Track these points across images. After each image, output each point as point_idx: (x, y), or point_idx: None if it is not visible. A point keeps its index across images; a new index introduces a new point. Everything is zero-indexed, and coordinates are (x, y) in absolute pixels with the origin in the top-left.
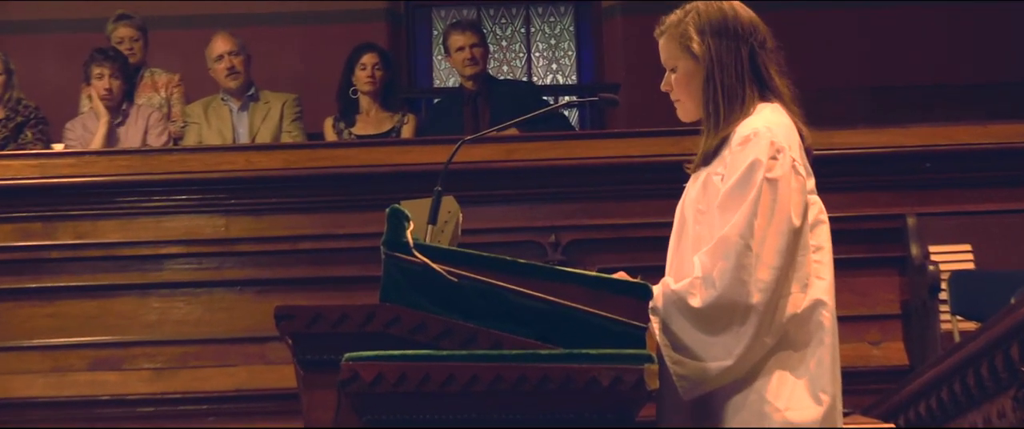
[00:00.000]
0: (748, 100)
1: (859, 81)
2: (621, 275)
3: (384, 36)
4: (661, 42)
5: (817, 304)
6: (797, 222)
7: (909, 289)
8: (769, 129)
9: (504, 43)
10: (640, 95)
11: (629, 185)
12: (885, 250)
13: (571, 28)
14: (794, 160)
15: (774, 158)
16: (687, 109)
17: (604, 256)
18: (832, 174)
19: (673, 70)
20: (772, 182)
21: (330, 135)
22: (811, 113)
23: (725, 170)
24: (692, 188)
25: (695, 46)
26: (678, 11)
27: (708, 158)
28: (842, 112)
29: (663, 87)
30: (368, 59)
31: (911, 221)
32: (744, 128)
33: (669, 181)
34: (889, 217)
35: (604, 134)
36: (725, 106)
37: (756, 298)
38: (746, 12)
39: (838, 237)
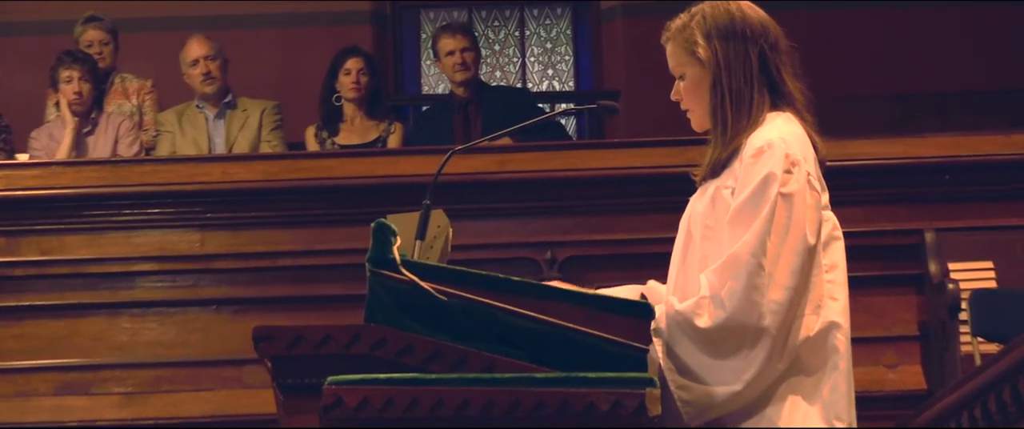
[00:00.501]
0: (757, 106)
1: (875, 88)
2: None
3: (369, 39)
4: (668, 49)
5: (831, 326)
6: (812, 240)
7: (927, 309)
8: (784, 140)
9: (497, 47)
10: (642, 102)
11: (630, 198)
12: (902, 267)
13: (568, 31)
14: (809, 174)
15: (789, 172)
16: (698, 118)
17: (603, 274)
18: (846, 186)
19: (681, 78)
20: (787, 197)
21: (312, 145)
22: (824, 121)
23: (736, 184)
24: (698, 202)
25: (701, 51)
26: (684, 15)
27: (717, 170)
28: (857, 120)
29: (673, 97)
30: (352, 64)
31: (929, 237)
32: (756, 139)
33: (673, 194)
34: (906, 232)
35: (603, 144)
36: (733, 112)
37: (768, 320)
38: (755, 12)
39: (852, 254)
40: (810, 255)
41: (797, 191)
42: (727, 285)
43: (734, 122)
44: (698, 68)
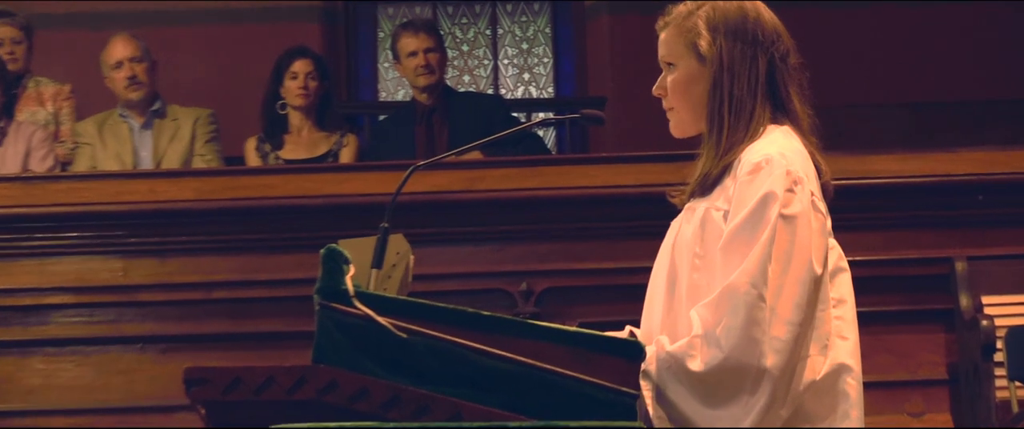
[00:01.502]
0: (757, 118)
1: (897, 95)
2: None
3: (319, 38)
4: (663, 35)
5: (840, 369)
6: (819, 269)
7: (958, 349)
8: (783, 156)
9: (466, 48)
10: (631, 112)
11: (619, 221)
12: (928, 301)
13: (547, 30)
14: (813, 194)
15: (791, 191)
16: (681, 120)
17: (588, 308)
18: (863, 208)
19: (671, 67)
20: (789, 220)
21: (252, 159)
22: (839, 134)
23: (729, 205)
24: (686, 225)
25: (703, 44)
26: (689, 2)
27: (706, 187)
28: (876, 133)
29: (655, 90)
30: (300, 66)
31: (960, 266)
32: (753, 154)
33: (668, 216)
34: (933, 261)
35: (588, 159)
36: (730, 121)
37: (771, 360)
38: (771, 16)
39: (872, 286)
40: (816, 286)
41: (800, 213)
42: (723, 321)
43: (730, 132)
44: (694, 63)
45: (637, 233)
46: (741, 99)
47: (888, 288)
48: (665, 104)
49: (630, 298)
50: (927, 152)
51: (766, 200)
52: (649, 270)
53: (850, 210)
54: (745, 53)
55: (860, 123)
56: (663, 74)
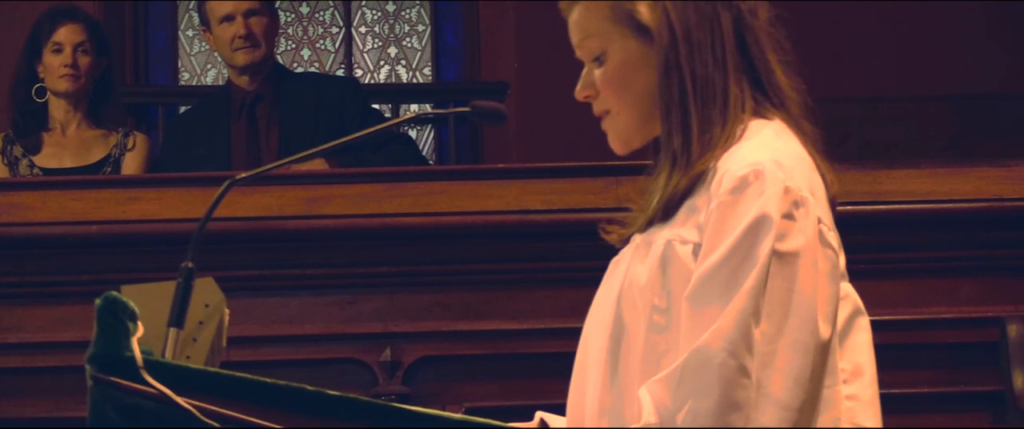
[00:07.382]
0: (734, 106)
1: (927, 85)
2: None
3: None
4: (575, 15)
5: None
6: (826, 331)
7: None
8: (779, 165)
9: (306, 10)
10: (543, 104)
11: (524, 262)
12: (969, 379)
13: None
14: (821, 221)
15: (790, 217)
16: (624, 127)
17: (477, 387)
18: (878, 247)
19: (599, 61)
20: (786, 259)
21: None
22: (843, 138)
23: (701, 234)
24: (639, 264)
25: (643, 9)
26: None
27: (669, 209)
28: (896, 138)
29: (579, 93)
30: (66, 34)
31: (1013, 329)
32: (735, 162)
33: (598, 255)
34: (977, 322)
35: (481, 172)
36: (700, 111)
37: None
38: None
39: (891, 357)
40: (822, 355)
41: (803, 248)
42: (687, 404)
43: (702, 128)
44: (633, 42)
45: (553, 279)
46: (707, 77)
47: (913, 361)
48: (597, 108)
49: (543, 372)
50: (970, 166)
51: (755, 229)
52: (573, 332)
53: (859, 249)
54: (702, 11)
55: (872, 123)
56: (586, 69)
